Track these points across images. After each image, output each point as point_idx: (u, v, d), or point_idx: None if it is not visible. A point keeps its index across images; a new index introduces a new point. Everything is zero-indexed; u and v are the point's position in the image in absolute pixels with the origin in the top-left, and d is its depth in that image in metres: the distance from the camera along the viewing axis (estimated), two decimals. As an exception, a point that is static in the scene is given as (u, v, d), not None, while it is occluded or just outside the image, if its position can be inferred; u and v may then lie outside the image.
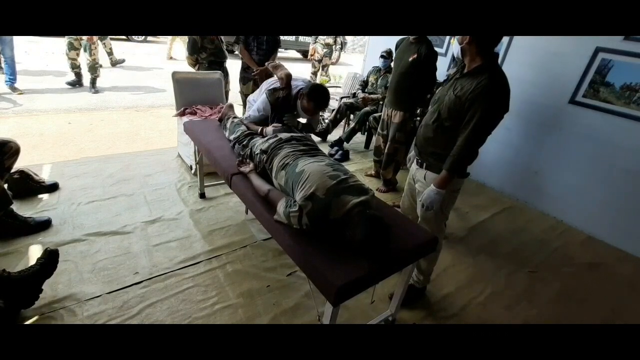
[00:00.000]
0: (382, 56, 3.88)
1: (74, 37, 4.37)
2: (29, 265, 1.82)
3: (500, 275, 2.32)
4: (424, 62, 2.65)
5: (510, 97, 1.51)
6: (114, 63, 6.09)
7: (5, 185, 2.06)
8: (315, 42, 6.03)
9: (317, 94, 2.08)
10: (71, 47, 4.43)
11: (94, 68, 4.60)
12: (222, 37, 3.46)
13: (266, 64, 2.83)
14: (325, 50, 6.02)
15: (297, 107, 2.20)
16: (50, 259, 1.66)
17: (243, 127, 2.13)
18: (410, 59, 2.70)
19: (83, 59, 4.59)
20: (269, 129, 2.13)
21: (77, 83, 4.75)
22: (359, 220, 1.28)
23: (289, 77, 2.19)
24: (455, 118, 1.57)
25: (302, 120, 2.33)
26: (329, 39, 5.96)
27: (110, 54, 6.04)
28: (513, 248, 2.66)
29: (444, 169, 1.60)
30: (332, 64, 6.43)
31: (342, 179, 1.42)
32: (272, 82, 2.28)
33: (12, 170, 2.14)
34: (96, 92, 4.71)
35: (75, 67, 4.63)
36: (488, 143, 3.50)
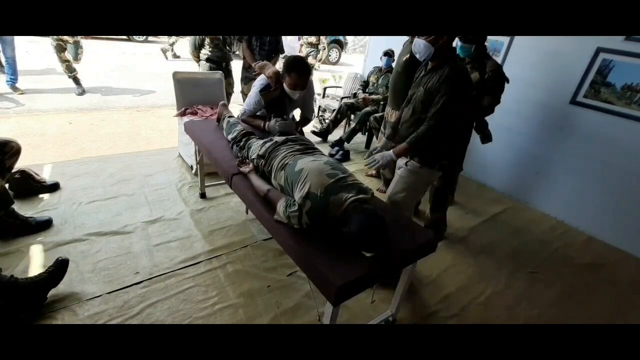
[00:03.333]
0: (386, 54, 3.88)
1: (61, 38, 4.14)
2: (30, 265, 1.84)
3: (501, 276, 2.32)
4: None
5: (469, 86, 1.74)
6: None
7: (7, 185, 2.06)
8: (300, 40, 6.02)
9: (292, 64, 2.06)
10: (60, 48, 4.20)
11: (70, 67, 4.35)
12: (227, 38, 3.47)
13: (253, 64, 2.83)
14: (308, 49, 5.97)
15: (287, 95, 2.18)
16: (59, 268, 1.66)
17: (239, 127, 2.12)
18: (404, 58, 2.71)
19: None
20: (272, 123, 2.14)
21: (82, 90, 4.54)
22: (353, 215, 1.29)
23: (276, 74, 2.19)
24: (429, 109, 1.73)
25: (295, 114, 2.33)
26: (312, 38, 5.91)
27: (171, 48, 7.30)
28: (514, 248, 2.66)
29: (405, 142, 1.79)
30: (320, 60, 6.36)
31: (341, 177, 1.43)
32: (263, 78, 2.28)
33: (13, 170, 2.14)
34: (82, 92, 4.51)
35: (72, 71, 4.40)
36: (489, 143, 3.50)
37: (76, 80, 4.51)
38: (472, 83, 1.73)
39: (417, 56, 1.73)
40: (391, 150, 1.83)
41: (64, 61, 4.30)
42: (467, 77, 1.72)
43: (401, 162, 1.93)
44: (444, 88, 1.64)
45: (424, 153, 1.83)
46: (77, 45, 4.34)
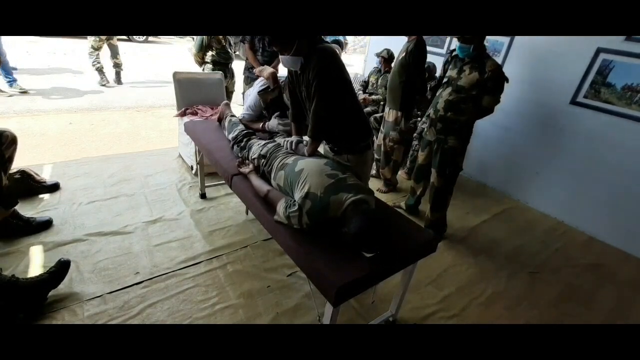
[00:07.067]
0: (377, 55, 3.89)
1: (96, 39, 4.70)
2: (30, 265, 1.84)
3: (501, 276, 2.32)
4: (409, 60, 2.66)
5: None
6: None
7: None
8: None
9: None
10: (99, 48, 4.76)
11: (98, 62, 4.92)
12: (230, 39, 3.47)
13: (255, 70, 2.87)
14: None
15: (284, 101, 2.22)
16: (61, 269, 1.66)
17: (241, 127, 2.13)
18: (400, 57, 2.73)
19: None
20: (273, 122, 2.15)
21: (107, 81, 5.09)
22: (352, 216, 1.29)
23: (274, 75, 2.25)
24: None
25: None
26: None
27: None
28: (514, 249, 2.66)
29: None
30: None
31: (341, 177, 1.43)
32: (263, 80, 2.34)
33: (13, 170, 2.14)
34: (106, 82, 5.09)
35: (95, 64, 4.89)
36: (489, 143, 3.51)
37: (100, 71, 5.00)
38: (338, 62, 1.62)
39: (293, 69, 1.68)
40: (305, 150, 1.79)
41: (92, 55, 4.81)
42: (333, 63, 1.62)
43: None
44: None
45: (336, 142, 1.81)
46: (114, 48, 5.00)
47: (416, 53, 2.64)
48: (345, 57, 11.24)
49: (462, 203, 3.16)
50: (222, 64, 3.39)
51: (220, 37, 3.31)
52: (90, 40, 4.73)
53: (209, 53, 3.33)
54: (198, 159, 2.60)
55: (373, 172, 3.49)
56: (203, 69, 3.42)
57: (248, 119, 2.38)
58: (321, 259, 1.29)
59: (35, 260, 1.87)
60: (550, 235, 2.91)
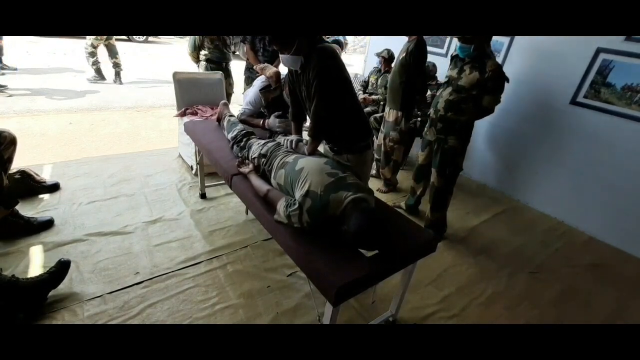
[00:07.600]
0: (377, 55, 3.89)
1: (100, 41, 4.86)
2: (30, 265, 1.84)
3: (501, 276, 2.32)
4: (410, 60, 2.66)
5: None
6: None
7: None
8: None
9: None
10: (96, 46, 4.87)
11: (96, 61, 5.03)
12: (227, 40, 3.47)
13: (255, 67, 2.87)
14: None
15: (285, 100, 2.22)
16: (61, 269, 1.67)
17: (240, 126, 2.13)
18: (400, 57, 2.73)
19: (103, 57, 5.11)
20: (272, 121, 2.15)
21: (101, 78, 5.18)
22: (352, 214, 1.29)
23: (277, 74, 2.24)
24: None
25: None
26: None
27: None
28: (514, 249, 2.66)
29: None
30: None
31: (341, 176, 1.43)
32: (263, 78, 2.34)
33: (13, 170, 2.14)
34: (99, 79, 5.18)
35: (97, 63, 5.03)
36: (489, 143, 3.52)
37: (99, 71, 5.11)
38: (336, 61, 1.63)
39: (292, 69, 1.69)
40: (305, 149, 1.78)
41: (94, 55, 4.97)
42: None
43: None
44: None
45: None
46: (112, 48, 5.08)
47: (416, 53, 2.64)
48: (345, 57, 11.25)
49: (462, 203, 3.16)
50: (216, 62, 3.39)
51: (213, 37, 3.32)
52: (91, 38, 4.77)
53: (202, 52, 3.35)
54: (198, 159, 2.60)
55: (373, 172, 3.49)
56: (198, 66, 3.43)
57: (248, 113, 2.38)
58: (321, 259, 1.29)
59: (35, 260, 1.87)
60: (550, 235, 2.91)
